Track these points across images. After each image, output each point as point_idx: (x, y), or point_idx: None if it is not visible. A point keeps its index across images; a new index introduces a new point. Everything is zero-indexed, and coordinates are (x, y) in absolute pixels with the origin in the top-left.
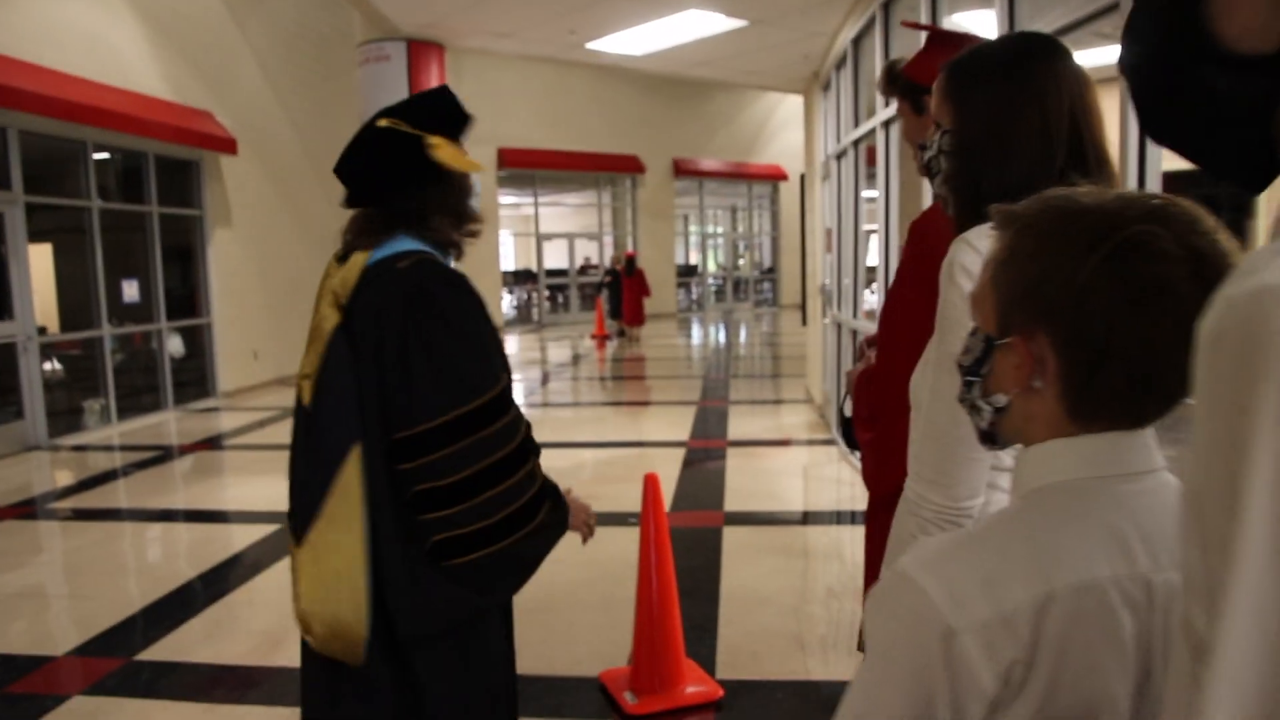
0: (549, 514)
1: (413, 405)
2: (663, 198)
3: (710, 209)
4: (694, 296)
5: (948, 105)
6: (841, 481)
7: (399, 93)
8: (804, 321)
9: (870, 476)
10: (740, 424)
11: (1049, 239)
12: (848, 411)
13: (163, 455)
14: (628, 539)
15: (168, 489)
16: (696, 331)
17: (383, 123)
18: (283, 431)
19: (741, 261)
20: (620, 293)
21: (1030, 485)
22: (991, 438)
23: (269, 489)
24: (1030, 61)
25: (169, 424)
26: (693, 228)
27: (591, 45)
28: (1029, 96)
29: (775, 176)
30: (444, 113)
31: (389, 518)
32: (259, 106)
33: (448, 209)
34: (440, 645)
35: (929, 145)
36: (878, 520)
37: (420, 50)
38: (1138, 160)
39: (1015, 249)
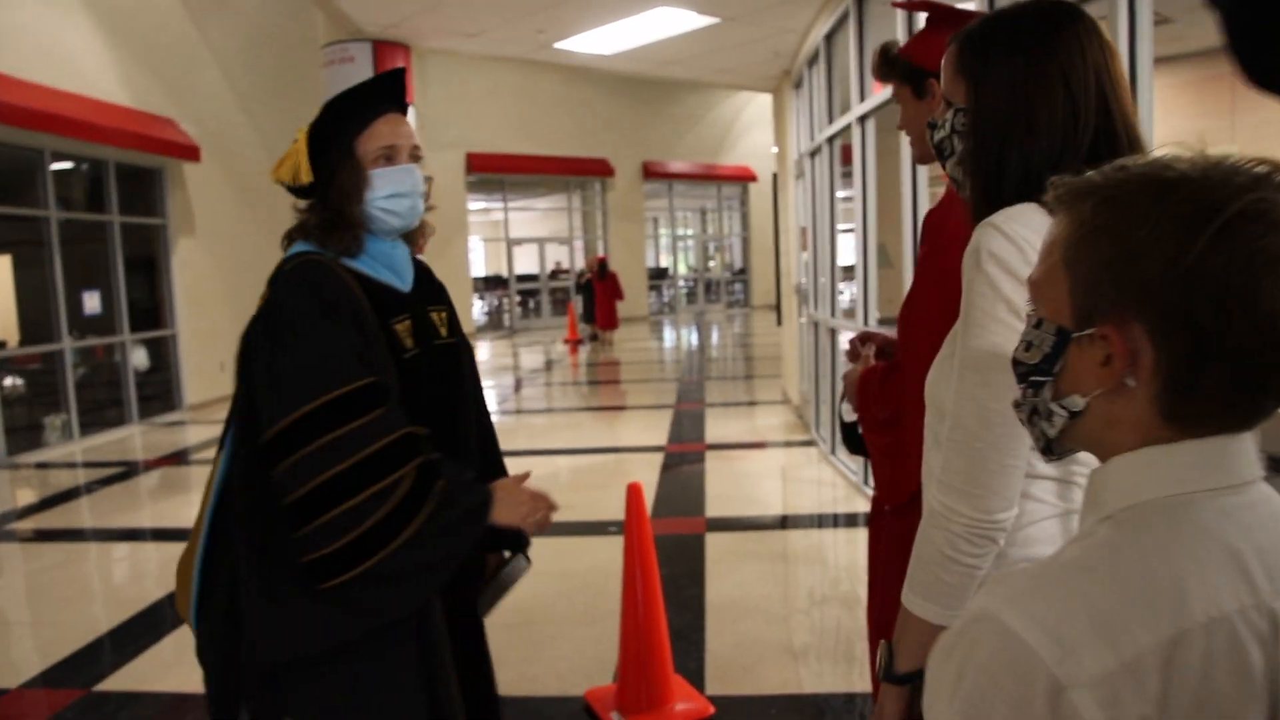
0: (431, 521)
1: (268, 408)
2: (632, 200)
3: (680, 211)
4: (665, 299)
5: (961, 81)
6: (822, 483)
7: None
8: (779, 322)
9: (885, 482)
10: (718, 427)
11: (1143, 212)
12: (847, 416)
13: (127, 471)
14: (608, 548)
15: (133, 506)
16: (669, 334)
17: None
18: None
19: (712, 263)
20: (593, 297)
21: (1120, 503)
22: (1053, 448)
23: None
24: (1052, 29)
25: (133, 439)
26: (663, 230)
27: (560, 45)
28: (1053, 68)
29: (744, 177)
30: (332, 105)
31: (254, 533)
32: (222, 112)
33: (319, 209)
34: (322, 672)
35: (939, 125)
36: (887, 528)
37: (386, 51)
38: None
39: (1096, 225)
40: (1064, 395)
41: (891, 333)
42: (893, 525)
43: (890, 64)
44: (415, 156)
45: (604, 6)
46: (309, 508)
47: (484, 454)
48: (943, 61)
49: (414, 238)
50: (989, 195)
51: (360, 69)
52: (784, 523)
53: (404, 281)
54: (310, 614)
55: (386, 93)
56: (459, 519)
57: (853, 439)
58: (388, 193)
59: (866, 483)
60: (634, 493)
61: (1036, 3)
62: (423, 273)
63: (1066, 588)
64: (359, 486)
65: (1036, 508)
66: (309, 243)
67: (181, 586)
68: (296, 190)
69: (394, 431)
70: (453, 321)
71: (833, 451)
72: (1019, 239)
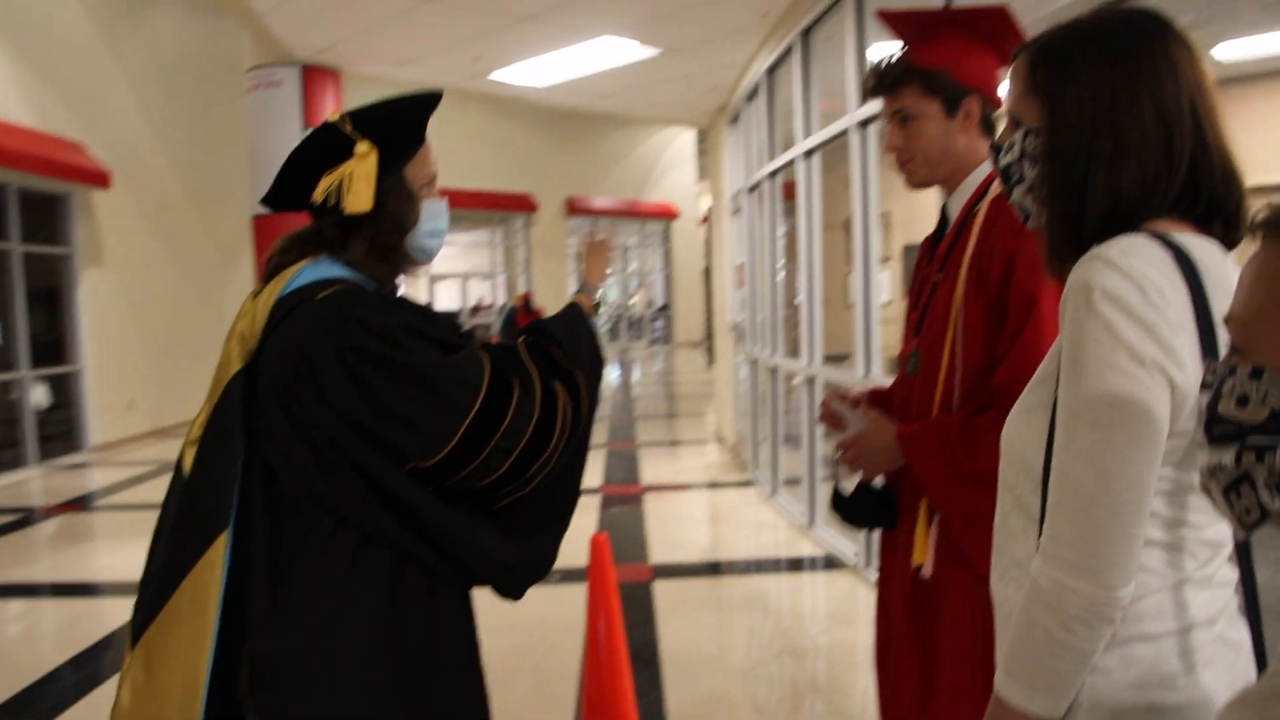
0: (589, 394)
1: (424, 435)
2: (556, 236)
3: None
4: None
5: (1034, 98)
6: (765, 525)
7: (292, 120)
8: (711, 360)
9: (977, 546)
10: (653, 467)
11: None
12: (849, 487)
13: (24, 519)
14: (555, 600)
15: (29, 558)
16: None
17: (332, 116)
18: (161, 488)
19: (634, 300)
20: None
21: None
22: (1260, 524)
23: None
24: (1141, 42)
25: (32, 482)
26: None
27: (496, 75)
28: (1143, 85)
29: (667, 215)
30: (392, 120)
31: (274, 605)
32: (135, 138)
33: (369, 237)
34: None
35: (1006, 149)
36: (954, 597)
37: (315, 76)
38: None
39: None
40: None
41: (838, 376)
42: (965, 595)
43: (909, 74)
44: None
45: (547, 33)
46: (512, 474)
47: None
48: (1010, 75)
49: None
50: (1071, 226)
51: (288, 94)
52: (732, 568)
53: None
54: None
55: (431, 112)
56: (595, 348)
57: (857, 509)
58: (430, 227)
59: (870, 564)
60: (598, 546)
61: (1122, 11)
62: None
63: None
64: (545, 442)
65: (1147, 579)
66: (347, 268)
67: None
68: (321, 210)
69: (533, 379)
70: None
71: (774, 492)
72: (1139, 276)
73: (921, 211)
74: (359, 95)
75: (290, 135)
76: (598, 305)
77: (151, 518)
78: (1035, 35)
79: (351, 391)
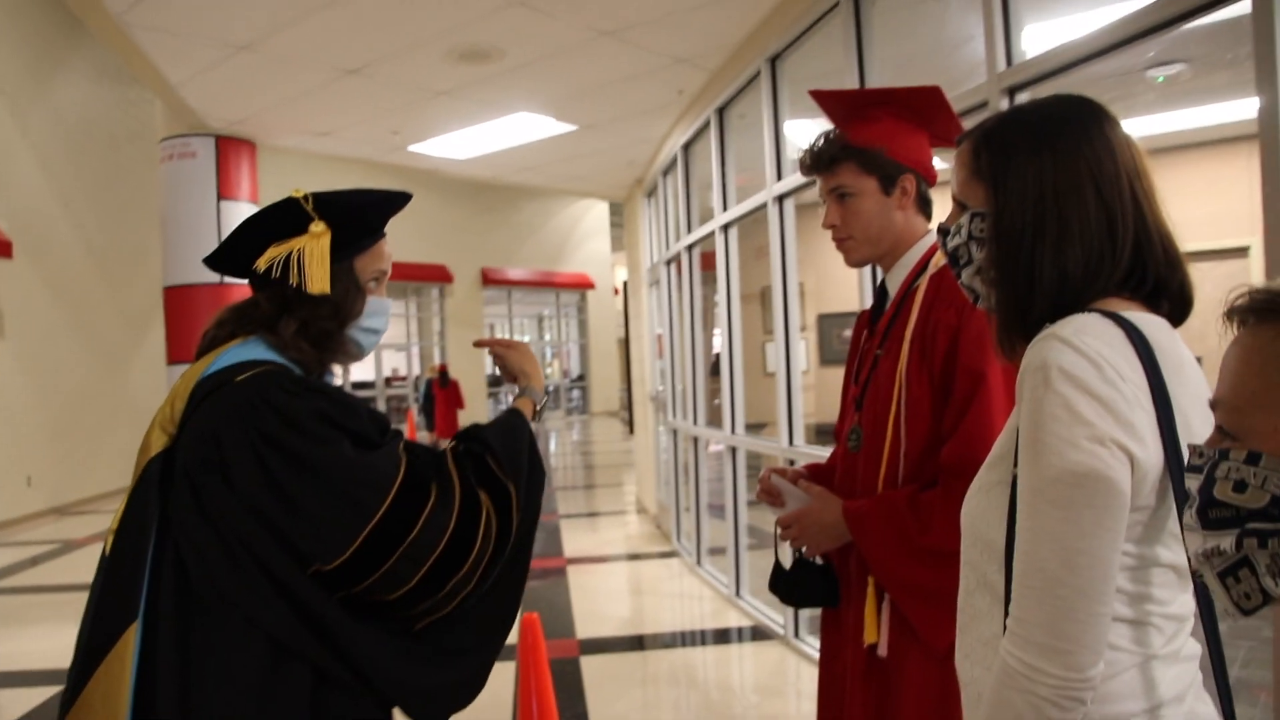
0: (522, 512)
1: (320, 536)
2: (471, 307)
3: (519, 318)
4: (504, 405)
5: (979, 183)
6: (690, 596)
7: (207, 190)
8: (630, 430)
9: (929, 622)
10: (575, 539)
11: None
12: (787, 563)
13: None
14: None
15: None
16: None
17: (296, 192)
18: (62, 569)
19: (549, 370)
20: (434, 404)
21: None
22: (1259, 609)
23: (46, 641)
24: (1078, 127)
25: None
26: (501, 336)
27: (415, 148)
28: (1081, 168)
29: (582, 285)
30: (353, 206)
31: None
32: (39, 207)
33: (304, 320)
34: None
35: (953, 232)
36: (913, 676)
37: (230, 146)
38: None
39: None
40: None
41: (761, 445)
42: (923, 672)
43: (845, 153)
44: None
45: (464, 109)
46: (420, 592)
47: None
48: (955, 160)
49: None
50: (1021, 306)
51: (203, 164)
52: (660, 641)
53: None
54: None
55: (395, 211)
56: (535, 458)
57: (798, 588)
58: (368, 325)
59: (798, 634)
60: (530, 625)
61: (1057, 98)
62: None
63: None
64: (459, 560)
65: (1116, 657)
66: (273, 351)
67: None
68: (259, 283)
69: (453, 487)
70: None
71: (698, 563)
72: (1094, 354)
73: (833, 282)
74: (275, 166)
75: (205, 206)
76: (540, 409)
77: (51, 601)
78: (979, 122)
79: (259, 482)
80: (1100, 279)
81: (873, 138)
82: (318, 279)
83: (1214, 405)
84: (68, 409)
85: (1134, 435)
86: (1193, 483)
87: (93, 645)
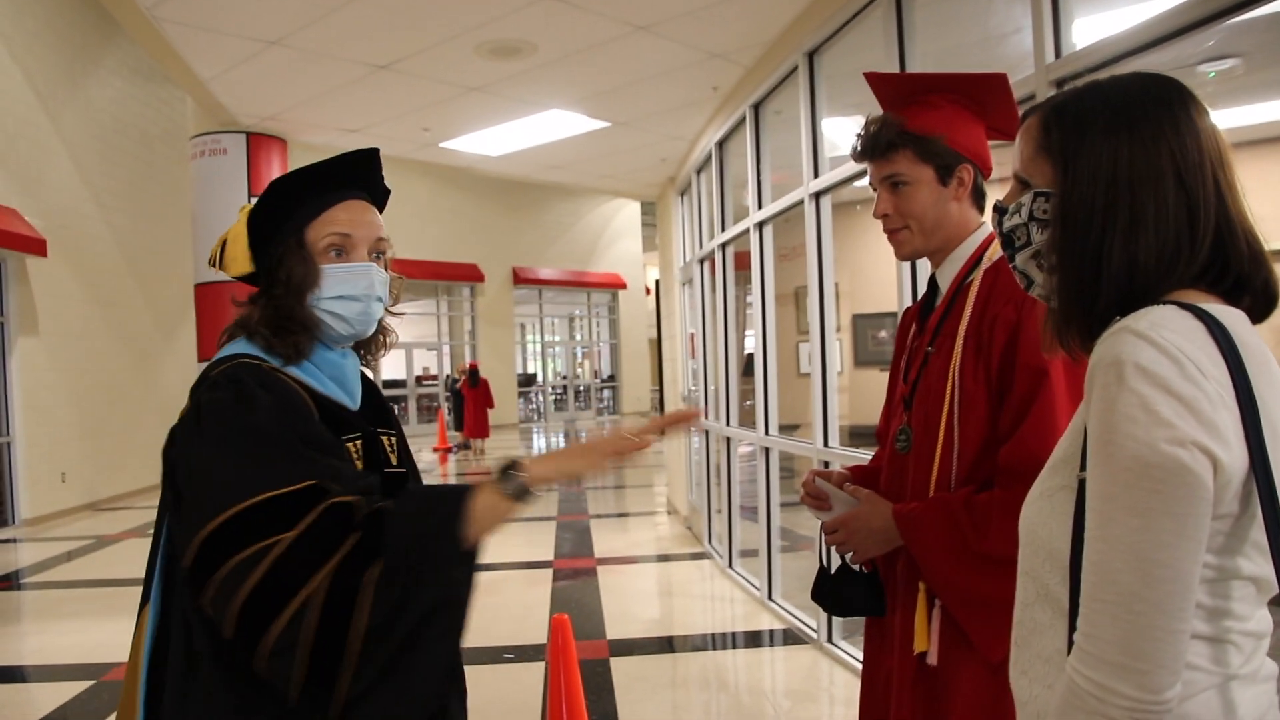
0: (383, 599)
1: (178, 534)
2: (502, 306)
3: (549, 318)
4: (535, 405)
5: (1046, 161)
6: (722, 599)
7: (237, 187)
8: (663, 431)
9: (990, 634)
10: (605, 540)
11: None
12: (835, 565)
13: None
14: (505, 679)
15: None
16: (540, 442)
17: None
18: (96, 565)
19: (581, 370)
20: (463, 404)
21: None
22: None
23: (81, 635)
24: (1162, 108)
25: None
26: (531, 336)
27: (446, 145)
28: (1163, 153)
29: (613, 285)
30: (296, 179)
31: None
32: (73, 205)
33: (264, 305)
34: None
35: (1011, 210)
36: (969, 687)
37: (261, 144)
38: None
39: None
40: None
41: (794, 446)
42: (976, 683)
43: (903, 139)
44: (378, 251)
45: (495, 105)
46: (248, 632)
47: None
48: (1020, 135)
49: (369, 346)
50: (1085, 296)
51: (234, 161)
52: (691, 644)
53: (353, 399)
54: None
55: (351, 175)
56: (424, 566)
57: (843, 596)
58: (335, 294)
59: (831, 638)
60: (560, 626)
61: (1139, 76)
62: (370, 389)
63: None
64: (283, 599)
65: (1194, 677)
66: (252, 344)
67: None
68: (247, 279)
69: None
70: (403, 448)
71: (730, 565)
72: (1174, 350)
73: (867, 282)
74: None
75: (236, 203)
76: (519, 495)
77: (85, 595)
78: (1049, 96)
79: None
80: (1176, 271)
81: (932, 125)
82: (235, 260)
83: None
84: (101, 406)
85: (1218, 437)
86: None
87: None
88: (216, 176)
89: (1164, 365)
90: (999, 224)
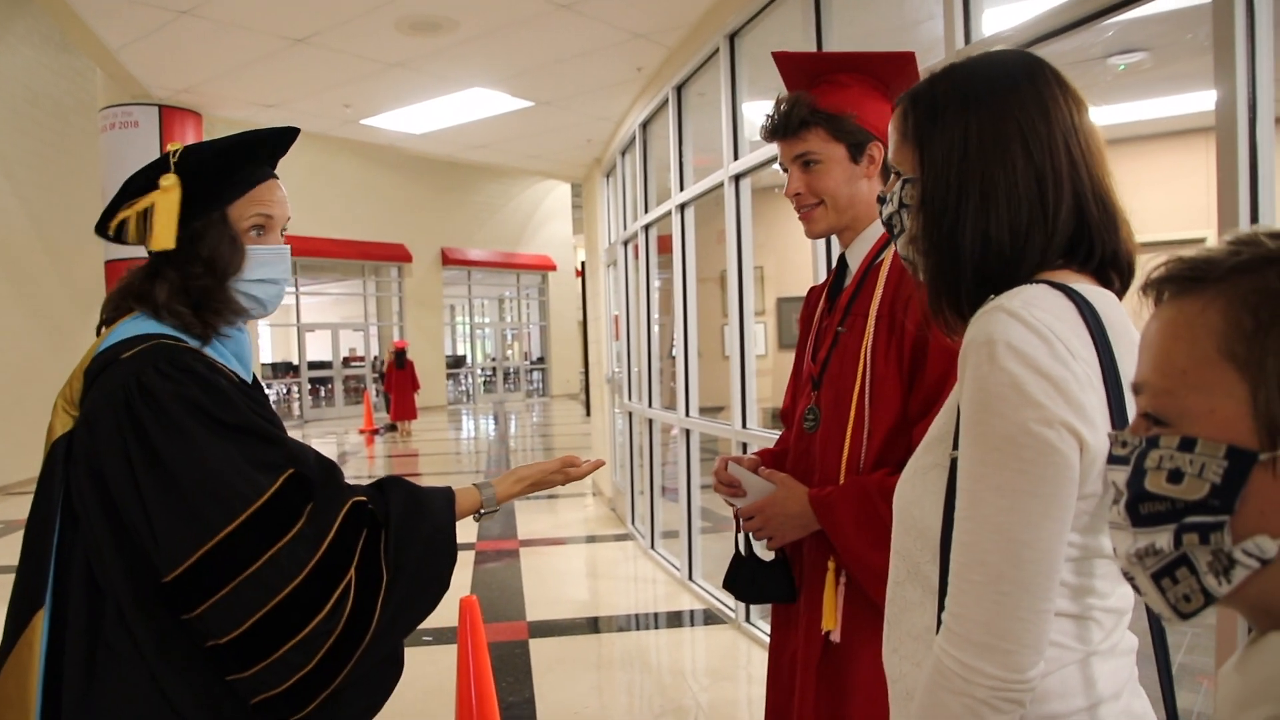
0: (387, 612)
1: (158, 544)
2: (430, 287)
3: (478, 299)
4: (464, 387)
5: (908, 147)
6: (643, 579)
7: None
8: (588, 412)
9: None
10: (529, 521)
11: None
12: (760, 553)
13: None
14: (425, 662)
15: None
16: (469, 424)
17: (174, 146)
18: (4, 550)
19: (510, 352)
20: (389, 386)
21: None
22: (1200, 611)
23: None
24: (1007, 84)
25: None
26: (460, 318)
27: (367, 122)
28: (1008, 127)
29: (543, 267)
30: (218, 153)
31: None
32: None
33: (173, 281)
34: None
35: (887, 199)
36: (859, 666)
37: (175, 116)
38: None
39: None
40: (1244, 538)
41: (714, 428)
42: (878, 662)
43: (814, 118)
44: (283, 230)
45: (416, 84)
46: (247, 649)
47: None
48: (890, 126)
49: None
50: (946, 276)
51: (146, 134)
52: (611, 624)
53: (247, 373)
54: None
55: (273, 152)
56: (426, 576)
57: (754, 584)
58: (257, 276)
59: (749, 618)
60: (468, 607)
61: (992, 54)
62: None
63: None
64: (299, 619)
65: (1056, 654)
66: (159, 322)
67: None
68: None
69: (325, 536)
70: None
71: (652, 546)
72: (1044, 329)
73: (793, 267)
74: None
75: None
76: (483, 513)
77: None
78: (912, 85)
79: (122, 473)
80: (1034, 247)
81: (842, 103)
82: (161, 235)
83: (1137, 389)
84: (10, 385)
85: (1085, 418)
86: (1117, 475)
87: (7, 632)
88: (129, 149)
89: (1034, 344)
90: (880, 214)
